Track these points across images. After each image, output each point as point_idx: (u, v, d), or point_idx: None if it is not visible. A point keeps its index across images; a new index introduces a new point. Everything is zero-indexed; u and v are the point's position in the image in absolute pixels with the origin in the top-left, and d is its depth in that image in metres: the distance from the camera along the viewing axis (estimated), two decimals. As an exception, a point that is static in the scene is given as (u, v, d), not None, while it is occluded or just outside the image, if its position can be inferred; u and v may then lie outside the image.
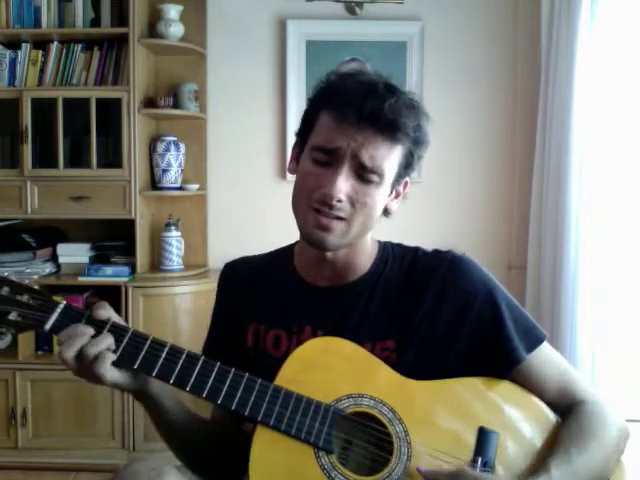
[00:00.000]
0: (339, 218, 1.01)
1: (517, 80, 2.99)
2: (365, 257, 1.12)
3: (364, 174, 1.00)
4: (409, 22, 2.98)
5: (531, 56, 2.91)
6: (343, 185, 0.99)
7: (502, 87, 3.01)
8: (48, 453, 2.72)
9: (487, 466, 0.97)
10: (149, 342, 0.99)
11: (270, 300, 1.14)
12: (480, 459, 0.97)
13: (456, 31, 3.00)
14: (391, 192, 1.07)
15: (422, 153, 1.07)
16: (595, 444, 1.01)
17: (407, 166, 1.06)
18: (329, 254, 1.07)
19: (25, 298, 1.00)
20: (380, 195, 1.03)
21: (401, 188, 1.10)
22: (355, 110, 0.97)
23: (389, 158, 1.01)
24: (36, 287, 1.02)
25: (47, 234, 2.93)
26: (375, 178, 1.01)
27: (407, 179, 1.10)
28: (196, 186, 2.98)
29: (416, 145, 1.04)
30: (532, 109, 2.89)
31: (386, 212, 1.11)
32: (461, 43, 3.00)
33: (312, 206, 1.01)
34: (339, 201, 0.99)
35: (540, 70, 2.81)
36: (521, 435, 1.02)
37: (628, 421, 1.08)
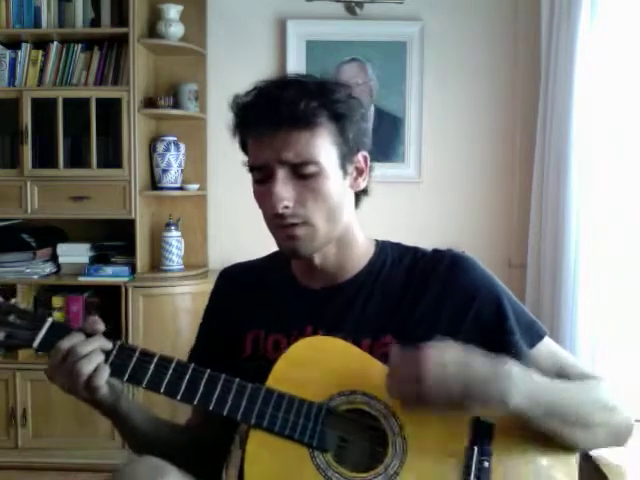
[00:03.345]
0: (298, 224, 1.01)
1: (517, 80, 2.99)
2: (358, 256, 1.11)
3: (300, 170, 1.00)
4: (409, 22, 2.98)
5: (531, 56, 2.91)
6: (282, 193, 0.99)
7: (502, 87, 3.01)
8: (48, 453, 2.73)
9: (484, 455, 0.97)
10: (137, 353, 1.00)
11: (269, 305, 1.14)
12: (476, 449, 0.97)
13: (456, 31, 3.00)
14: (345, 174, 1.04)
15: (357, 124, 1.04)
16: (579, 389, 1.01)
17: (348, 142, 1.03)
18: (316, 259, 1.08)
19: (12, 318, 1.01)
20: (329, 183, 1.01)
21: (362, 164, 1.07)
22: (260, 121, 1.00)
23: (315, 144, 1.00)
24: (22, 306, 1.04)
25: (47, 234, 2.93)
26: (312, 168, 1.00)
27: (363, 153, 1.07)
28: (196, 186, 2.98)
29: (339, 120, 1.01)
30: (532, 109, 2.88)
31: (361, 193, 1.10)
32: (461, 43, 3.00)
33: (272, 224, 1.03)
34: (286, 208, 1.00)
35: (540, 70, 2.81)
36: (516, 425, 1.01)
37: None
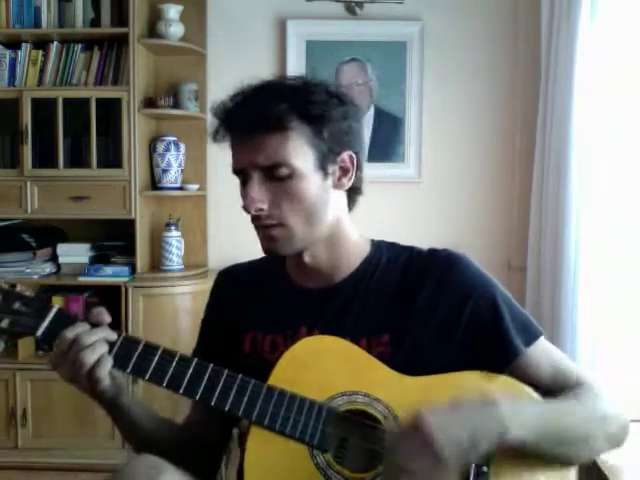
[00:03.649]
0: (274, 225, 1.03)
1: (517, 80, 2.99)
2: (352, 255, 1.12)
3: (273, 173, 1.01)
4: (409, 22, 2.98)
5: (531, 56, 2.91)
6: (255, 195, 1.01)
7: (502, 87, 3.01)
8: (48, 453, 2.73)
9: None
10: (141, 346, 1.00)
11: (265, 306, 1.15)
12: None
13: (456, 31, 3.00)
14: (326, 174, 1.04)
15: (337, 124, 1.03)
16: (572, 406, 1.01)
17: (326, 142, 1.02)
18: (306, 258, 1.08)
19: (17, 305, 1.00)
20: (305, 184, 1.02)
21: (347, 164, 1.06)
22: (233, 125, 1.03)
23: (287, 147, 1.00)
24: (27, 294, 1.02)
25: (47, 234, 2.93)
26: (284, 171, 1.00)
27: (348, 153, 1.06)
28: (196, 186, 2.98)
29: (313, 121, 1.01)
30: (532, 109, 2.88)
31: (354, 193, 1.11)
32: (461, 43, 3.00)
33: (253, 225, 1.06)
34: (261, 210, 1.01)
35: (540, 70, 2.80)
36: None
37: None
